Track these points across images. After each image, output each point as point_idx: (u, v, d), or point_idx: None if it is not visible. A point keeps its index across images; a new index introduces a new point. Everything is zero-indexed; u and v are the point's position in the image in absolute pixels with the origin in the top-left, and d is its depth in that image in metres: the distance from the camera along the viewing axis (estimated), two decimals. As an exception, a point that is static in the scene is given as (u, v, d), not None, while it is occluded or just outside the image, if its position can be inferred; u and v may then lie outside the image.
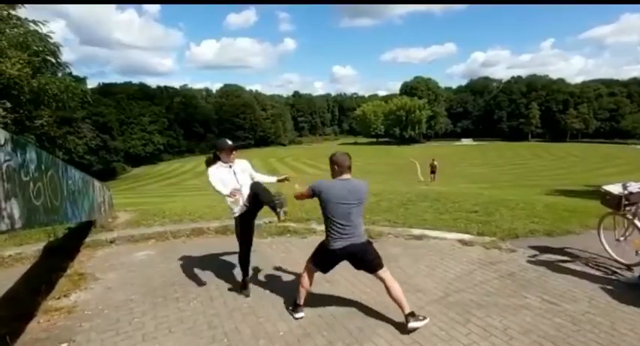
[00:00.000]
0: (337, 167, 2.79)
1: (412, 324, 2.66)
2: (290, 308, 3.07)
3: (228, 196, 3.19)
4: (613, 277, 3.63)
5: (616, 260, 3.96)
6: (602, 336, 2.58)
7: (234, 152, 3.43)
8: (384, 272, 2.84)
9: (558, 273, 3.73)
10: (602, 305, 3.05)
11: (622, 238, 3.97)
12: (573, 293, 3.27)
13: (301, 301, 2.99)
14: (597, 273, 3.72)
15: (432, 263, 4.09)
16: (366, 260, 2.85)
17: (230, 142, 3.44)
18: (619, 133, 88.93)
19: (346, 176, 2.80)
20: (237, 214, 3.43)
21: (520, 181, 26.77)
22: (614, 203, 3.83)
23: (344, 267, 3.97)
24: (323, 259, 2.92)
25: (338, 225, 2.74)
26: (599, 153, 57.97)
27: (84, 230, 5.70)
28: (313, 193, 2.80)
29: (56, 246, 5.05)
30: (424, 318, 2.73)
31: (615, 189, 3.87)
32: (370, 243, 2.92)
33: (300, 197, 3.00)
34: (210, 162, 3.49)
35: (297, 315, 2.95)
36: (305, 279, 3.00)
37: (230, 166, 3.43)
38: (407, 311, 2.71)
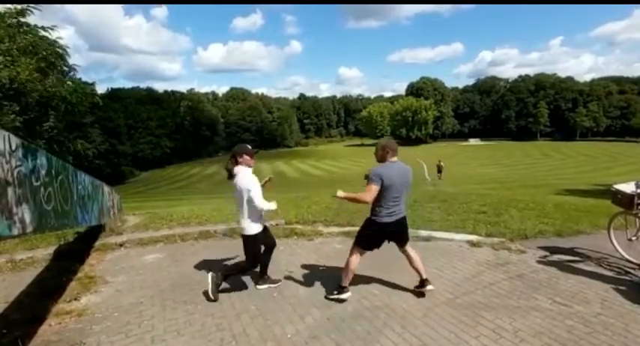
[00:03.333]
0: (390, 151, 3.10)
1: (428, 287, 3.24)
2: (335, 292, 3.28)
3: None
4: (626, 278, 3.56)
5: (628, 261, 3.89)
6: (615, 338, 2.54)
7: (245, 156, 3.34)
8: (408, 247, 3.34)
9: (569, 274, 3.68)
10: (615, 306, 3.00)
11: (634, 238, 3.90)
12: (585, 295, 3.22)
13: (347, 283, 3.26)
14: (609, 274, 3.66)
15: (440, 265, 4.06)
16: (404, 233, 3.30)
17: (249, 146, 3.43)
18: (630, 131, 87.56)
19: (395, 158, 3.12)
20: (260, 229, 3.38)
21: (529, 181, 26.44)
22: (626, 202, 3.77)
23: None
24: (372, 237, 3.18)
25: (392, 202, 3.06)
26: (609, 152, 57.07)
27: (94, 233, 5.77)
28: (379, 179, 2.97)
29: (67, 250, 5.11)
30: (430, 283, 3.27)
31: (627, 187, 3.81)
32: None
33: (367, 195, 2.98)
34: (231, 169, 3.33)
35: (344, 296, 3.22)
36: (354, 263, 3.23)
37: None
38: (424, 277, 3.28)
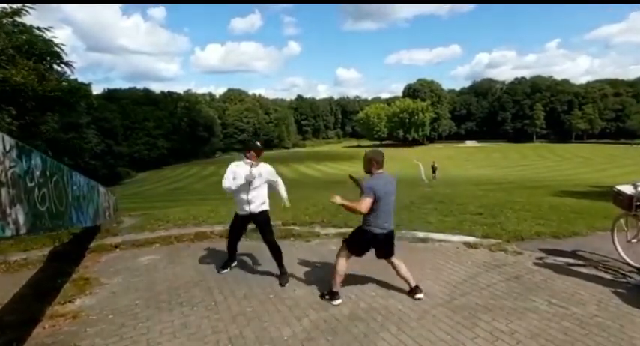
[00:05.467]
0: (376, 163, 3.23)
1: (418, 296, 3.28)
2: (327, 296, 3.32)
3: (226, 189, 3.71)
4: (622, 280, 3.58)
5: (627, 263, 3.88)
6: (611, 340, 2.55)
7: (251, 152, 3.74)
8: (394, 258, 3.39)
9: (566, 276, 3.69)
10: (611, 308, 3.01)
11: (634, 240, 3.88)
12: (581, 296, 3.23)
13: (337, 287, 3.30)
14: (606, 276, 3.67)
15: (437, 267, 4.06)
16: (390, 247, 3.37)
17: (259, 144, 3.84)
18: (625, 133, 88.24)
19: (381, 170, 3.26)
20: (238, 213, 3.89)
21: (525, 183, 26.58)
22: (626, 203, 3.76)
23: (347, 270, 3.96)
24: (361, 245, 3.30)
25: (384, 214, 3.19)
26: (604, 154, 57.50)
27: (89, 235, 5.73)
28: (374, 193, 3.11)
29: (61, 251, 5.07)
30: (420, 291, 3.32)
31: (628, 189, 3.79)
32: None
33: (363, 207, 3.10)
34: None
35: (336, 302, 3.24)
36: (342, 266, 3.30)
37: (251, 166, 3.74)
38: (413, 285, 3.34)
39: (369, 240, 3.25)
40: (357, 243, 3.30)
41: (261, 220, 3.85)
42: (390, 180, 3.26)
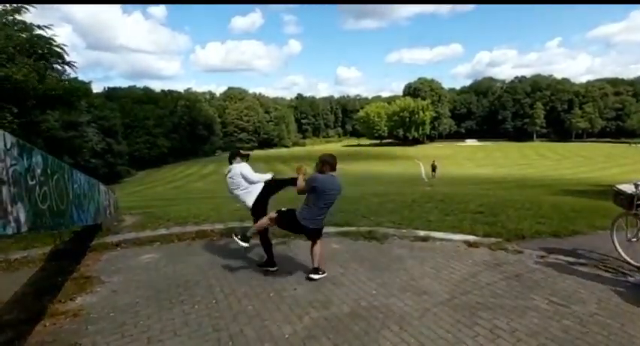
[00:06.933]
0: (329, 166, 3.55)
1: (312, 276, 3.66)
2: (238, 237, 3.80)
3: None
4: (622, 279, 3.58)
5: (626, 262, 3.89)
6: (611, 338, 2.55)
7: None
8: (318, 241, 3.76)
9: (566, 274, 3.69)
10: (612, 306, 3.01)
11: (634, 239, 3.89)
12: (581, 295, 3.23)
13: (252, 232, 3.81)
14: (606, 275, 3.68)
15: (438, 265, 4.06)
16: (317, 235, 3.73)
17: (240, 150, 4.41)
18: (625, 132, 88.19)
19: (332, 173, 3.58)
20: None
21: (526, 181, 26.58)
22: (627, 202, 3.76)
23: (348, 269, 3.96)
24: (290, 225, 3.67)
25: (319, 210, 3.53)
26: (604, 153, 57.49)
27: (90, 233, 5.73)
28: (312, 185, 3.49)
29: (62, 250, 5.08)
30: (323, 272, 3.71)
31: (628, 188, 3.80)
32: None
33: (302, 191, 3.62)
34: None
35: (242, 244, 3.77)
36: (263, 223, 3.71)
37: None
38: (315, 266, 3.71)
39: (297, 227, 3.61)
40: (287, 223, 3.65)
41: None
42: (335, 183, 3.55)
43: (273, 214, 3.68)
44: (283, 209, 3.68)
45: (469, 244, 4.74)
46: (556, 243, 4.74)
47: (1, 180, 1.98)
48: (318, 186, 3.47)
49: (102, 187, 5.56)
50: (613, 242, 4.09)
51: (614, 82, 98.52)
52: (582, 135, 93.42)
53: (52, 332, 2.86)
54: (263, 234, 4.04)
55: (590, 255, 4.22)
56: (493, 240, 4.89)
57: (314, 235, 3.72)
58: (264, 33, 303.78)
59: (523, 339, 2.57)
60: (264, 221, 3.70)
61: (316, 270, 3.70)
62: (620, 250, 4.01)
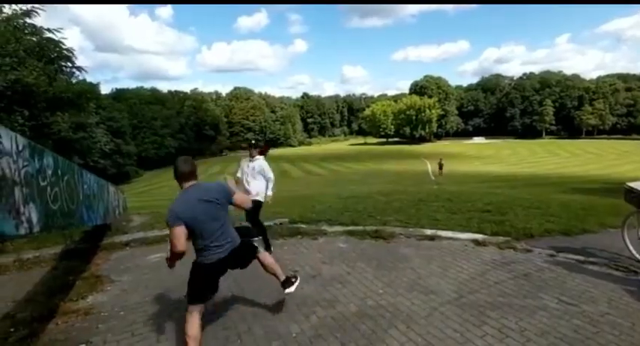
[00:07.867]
0: (181, 176, 2.45)
1: (287, 290, 2.93)
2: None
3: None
4: (634, 277, 3.53)
5: (638, 260, 3.84)
6: (622, 338, 2.51)
7: (252, 149, 4.47)
8: (260, 254, 2.93)
9: (576, 273, 3.65)
10: (622, 306, 2.97)
11: None
12: (592, 294, 3.19)
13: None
14: (616, 273, 3.62)
15: (445, 264, 4.04)
16: (246, 257, 2.82)
17: (253, 141, 4.56)
18: (637, 129, 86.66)
19: (190, 183, 2.46)
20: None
21: (534, 179, 26.27)
22: (638, 200, 3.72)
23: (355, 268, 3.96)
24: (206, 285, 2.59)
25: (212, 236, 2.48)
26: (615, 150, 56.56)
27: (99, 233, 5.81)
28: (180, 222, 2.31)
29: (73, 249, 5.16)
30: (295, 279, 3.00)
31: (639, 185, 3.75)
32: (247, 241, 2.82)
33: (177, 244, 2.32)
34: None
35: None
36: (195, 326, 2.41)
37: (251, 161, 4.50)
38: (282, 279, 2.95)
39: (212, 273, 2.58)
40: (199, 285, 2.57)
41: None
42: (196, 198, 2.39)
43: (188, 306, 2.54)
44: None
45: (477, 243, 4.70)
46: (566, 242, 4.68)
47: (14, 181, 2.02)
48: (181, 217, 2.31)
49: (111, 188, 5.64)
50: (624, 240, 4.04)
51: (626, 78, 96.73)
52: (593, 132, 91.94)
53: (64, 331, 2.92)
54: (255, 221, 4.38)
55: (600, 254, 4.17)
56: (501, 238, 4.85)
57: (238, 262, 2.76)
58: (270, 32, 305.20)
59: (532, 339, 2.54)
60: (192, 324, 2.44)
61: (288, 281, 2.95)
62: (631, 248, 3.96)
